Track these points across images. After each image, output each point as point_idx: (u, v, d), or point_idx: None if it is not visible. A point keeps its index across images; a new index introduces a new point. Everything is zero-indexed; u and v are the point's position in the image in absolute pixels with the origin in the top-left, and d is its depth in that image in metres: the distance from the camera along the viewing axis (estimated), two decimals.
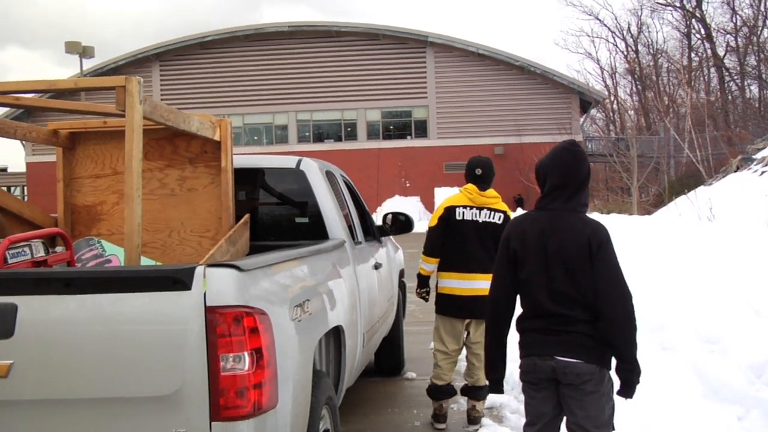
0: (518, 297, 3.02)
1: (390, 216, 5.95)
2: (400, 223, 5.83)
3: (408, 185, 34.10)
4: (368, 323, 4.60)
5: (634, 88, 43.91)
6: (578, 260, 2.82)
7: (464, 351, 5.22)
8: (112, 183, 4.13)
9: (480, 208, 4.80)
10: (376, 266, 5.21)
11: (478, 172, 4.85)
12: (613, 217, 15.87)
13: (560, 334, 2.85)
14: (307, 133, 35.46)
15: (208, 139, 3.98)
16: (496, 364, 3.06)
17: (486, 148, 33.25)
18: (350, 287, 4.12)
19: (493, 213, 4.79)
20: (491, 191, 4.87)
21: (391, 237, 6.70)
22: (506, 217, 4.81)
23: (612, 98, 43.94)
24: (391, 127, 35.60)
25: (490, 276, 4.31)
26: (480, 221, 4.78)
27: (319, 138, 35.60)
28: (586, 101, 34.01)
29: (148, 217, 4.06)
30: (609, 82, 45.82)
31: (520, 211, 24.72)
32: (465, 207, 4.82)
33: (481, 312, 4.75)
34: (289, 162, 4.59)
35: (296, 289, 3.06)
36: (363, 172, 32.48)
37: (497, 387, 3.11)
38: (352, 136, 35.24)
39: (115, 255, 3.65)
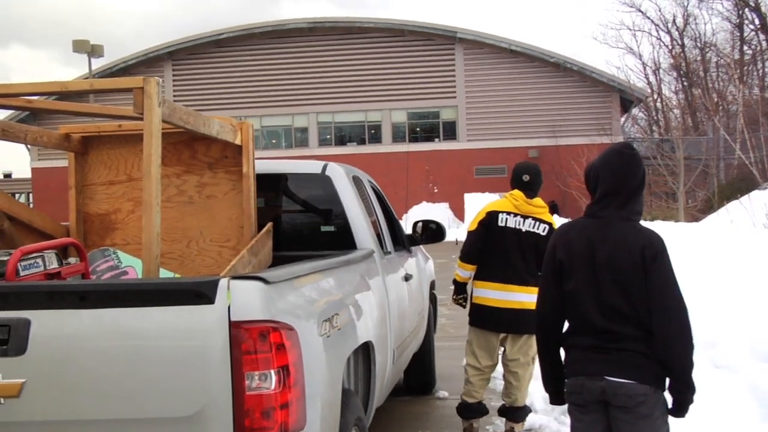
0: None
1: (420, 224, 5.95)
2: (431, 232, 5.82)
3: (436, 191, 34.06)
4: (398, 338, 4.59)
5: (680, 85, 43.41)
6: (631, 272, 2.77)
7: (500, 368, 5.18)
8: (127, 190, 4.16)
9: (525, 217, 4.80)
10: (406, 277, 5.20)
11: (526, 178, 4.85)
12: (657, 225, 15.68)
13: (610, 351, 2.79)
14: (328, 136, 35.61)
15: (228, 143, 3.99)
16: (551, 380, 3.03)
17: (519, 151, 33.09)
18: (380, 300, 4.11)
19: (538, 223, 4.79)
20: (538, 200, 4.86)
21: (422, 246, 6.68)
22: (551, 229, 4.78)
23: (655, 96, 43.51)
24: (418, 128, 35.61)
25: (528, 289, 4.68)
26: (523, 230, 4.77)
27: (341, 141, 35.72)
28: (627, 100, 33.72)
29: (166, 226, 4.08)
30: (652, 78, 45.38)
31: (556, 219, 24.52)
32: (509, 213, 4.82)
33: (518, 326, 4.77)
34: (314, 167, 4.60)
35: (324, 303, 3.06)
36: (388, 176, 32.50)
37: (557, 399, 3.06)
38: (376, 138, 35.31)
39: (132, 266, 3.66)
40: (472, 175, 33.49)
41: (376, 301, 4.01)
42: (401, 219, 26.80)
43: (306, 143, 35.38)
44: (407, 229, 6.21)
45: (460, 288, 5.09)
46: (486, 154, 33.38)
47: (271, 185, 4.64)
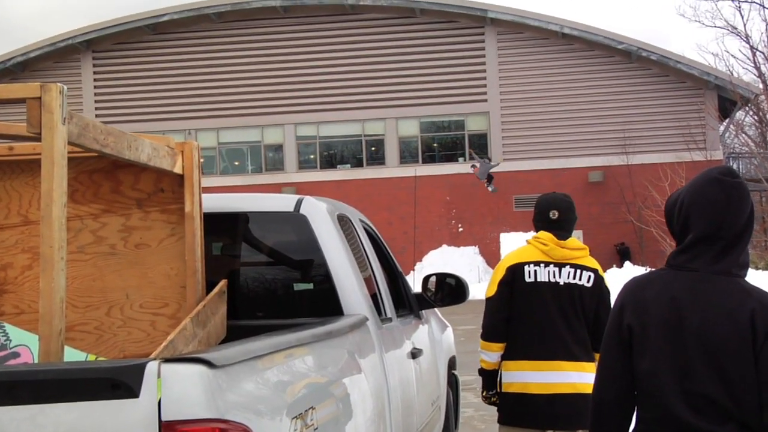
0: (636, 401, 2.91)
1: (433, 278, 5.99)
2: (449, 289, 5.86)
3: (461, 229, 34.09)
4: None
5: None
6: (734, 350, 2.67)
7: None
8: (21, 237, 4.18)
9: (560, 265, 4.87)
10: (414, 354, 5.23)
11: (554, 215, 4.94)
12: None
13: None
14: (311, 156, 35.80)
15: (166, 171, 4.02)
16: None
17: (577, 174, 33.15)
18: (375, 386, 4.12)
19: (579, 271, 4.86)
20: (574, 240, 4.96)
21: (437, 310, 6.71)
22: (598, 277, 4.86)
23: None
24: (435, 144, 35.75)
25: (580, 365, 4.71)
26: (561, 283, 4.84)
27: (329, 162, 35.89)
28: (728, 100, 33.89)
29: (77, 287, 4.08)
30: (765, 69, 45.53)
31: (626, 269, 24.27)
32: (537, 264, 4.89)
33: (569, 419, 4.75)
34: (285, 203, 4.65)
35: (296, 393, 3.07)
36: (393, 211, 32.56)
37: None
38: (377, 158, 35.48)
39: (26, 346, 3.67)
40: (510, 208, 33.56)
41: (371, 388, 4.01)
42: (413, 270, 26.78)
43: (281, 166, 35.56)
44: (416, 287, 6.24)
45: (489, 379, 5.09)
46: (530, 178, 33.47)
47: (225, 229, 4.68)
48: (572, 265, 4.84)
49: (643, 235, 31.20)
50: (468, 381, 9.73)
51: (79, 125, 3.11)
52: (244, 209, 4.67)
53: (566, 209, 4.94)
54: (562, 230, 4.90)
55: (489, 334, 4.96)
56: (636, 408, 2.88)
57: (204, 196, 4.35)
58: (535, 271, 4.86)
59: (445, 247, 33.00)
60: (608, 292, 4.87)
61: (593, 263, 4.94)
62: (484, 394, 5.14)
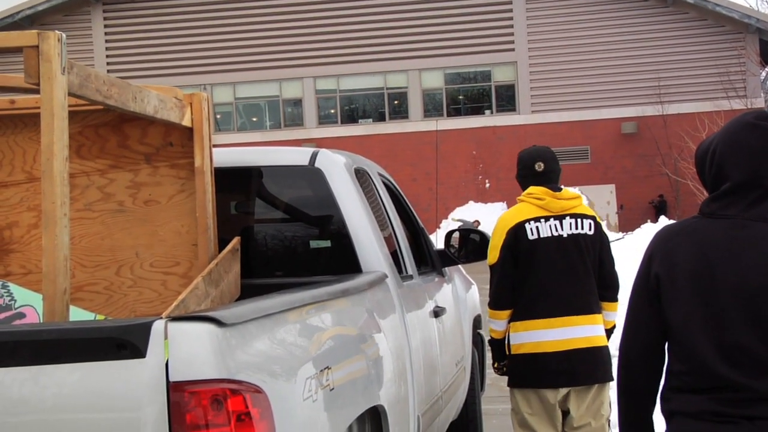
0: (666, 354, 2.85)
1: (457, 235, 5.98)
2: (473, 245, 5.87)
3: (488, 185, 34.01)
4: (426, 400, 4.61)
5: None
6: None
7: None
8: (27, 195, 4.19)
9: (560, 217, 4.90)
10: (437, 312, 5.24)
11: (540, 167, 4.99)
12: None
13: (741, 422, 2.59)
14: (332, 110, 35.72)
15: (174, 125, 4.02)
16: None
17: (609, 125, 32.90)
18: (396, 346, 4.13)
19: (580, 220, 4.91)
20: (567, 191, 5.00)
21: (461, 267, 6.71)
22: (597, 224, 4.95)
23: None
24: (461, 96, 35.55)
25: (594, 318, 4.79)
26: (565, 235, 4.87)
27: (350, 117, 35.81)
28: None
29: (84, 246, 4.11)
30: None
31: (661, 223, 24.16)
32: (538, 220, 4.89)
33: (587, 375, 4.79)
34: (299, 156, 4.65)
35: (310, 352, 3.09)
36: (417, 167, 32.52)
37: None
38: (400, 112, 35.35)
39: (31, 306, 3.70)
40: (546, 146, 33.35)
41: (391, 348, 4.02)
42: (438, 228, 26.82)
43: (300, 121, 35.52)
44: (439, 243, 6.23)
45: (499, 350, 5.11)
46: (559, 130, 33.24)
47: (238, 184, 4.69)
48: (572, 215, 4.89)
49: (679, 188, 30.96)
50: None
51: (80, 75, 3.10)
52: (257, 163, 4.67)
53: (551, 159, 5.01)
54: (550, 182, 4.96)
55: (497, 302, 4.96)
56: (667, 361, 2.85)
57: (215, 150, 4.34)
58: (537, 227, 4.86)
59: (471, 203, 32.91)
60: (608, 238, 5.02)
61: (590, 210, 5.02)
62: (495, 365, 5.17)
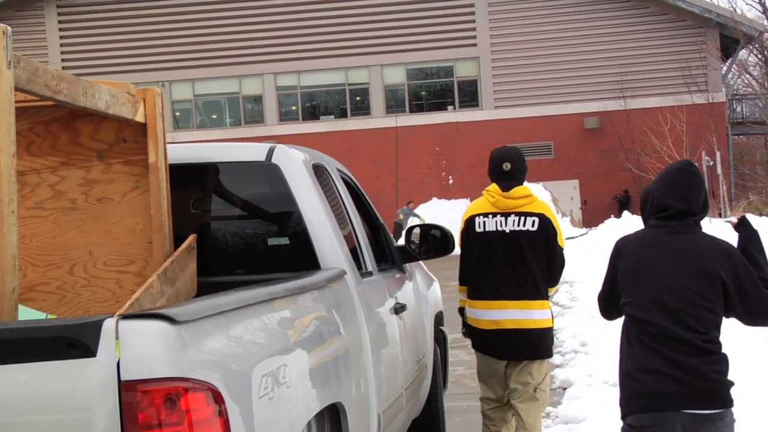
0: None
1: (418, 231, 6.00)
2: (434, 241, 5.90)
3: (451, 181, 34.11)
4: (387, 398, 4.62)
5: None
6: (698, 277, 4.06)
7: None
8: None
9: (506, 215, 5.61)
10: (397, 309, 5.26)
11: (507, 167, 5.65)
12: None
13: (656, 347, 4.05)
14: (293, 107, 35.67)
15: (128, 120, 3.99)
16: None
17: (572, 120, 33.12)
18: (355, 343, 4.14)
19: (524, 218, 5.58)
20: (519, 190, 5.64)
21: (422, 263, 6.72)
22: (544, 219, 5.60)
23: None
24: (423, 92, 35.63)
25: (524, 303, 5.61)
26: (507, 231, 5.59)
27: (312, 113, 35.78)
28: (730, 38, 33.74)
29: (36, 245, 4.07)
30: None
31: (625, 219, 24.47)
32: (486, 215, 5.66)
33: (516, 352, 5.67)
34: (256, 152, 4.63)
35: (267, 350, 3.09)
36: (380, 163, 32.53)
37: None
38: (362, 108, 35.37)
39: None
40: (515, 146, 33.47)
41: (350, 344, 4.03)
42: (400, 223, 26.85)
43: (261, 118, 35.43)
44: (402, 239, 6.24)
45: (465, 317, 5.97)
46: (523, 126, 33.42)
47: (193, 181, 4.66)
48: (517, 213, 5.57)
49: (642, 183, 31.20)
50: (459, 338, 9.75)
51: (27, 70, 3.07)
52: (213, 159, 4.64)
53: (518, 160, 5.68)
54: (515, 180, 5.63)
55: (461, 279, 5.89)
56: (626, 320, 4.14)
57: (170, 146, 4.32)
58: (484, 221, 5.63)
59: (435, 200, 32.97)
60: (555, 232, 5.65)
61: (539, 208, 5.62)
62: (463, 330, 6.00)
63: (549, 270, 5.65)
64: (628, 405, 4.02)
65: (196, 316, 2.66)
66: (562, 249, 5.70)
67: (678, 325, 3.90)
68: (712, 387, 3.88)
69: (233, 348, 2.87)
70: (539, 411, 5.80)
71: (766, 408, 6.25)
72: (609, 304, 4.29)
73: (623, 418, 4.05)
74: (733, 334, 5.03)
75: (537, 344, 5.65)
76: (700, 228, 4.12)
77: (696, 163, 4.25)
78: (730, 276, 3.93)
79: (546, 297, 5.70)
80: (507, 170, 5.62)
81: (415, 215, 29.64)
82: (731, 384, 3.95)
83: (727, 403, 3.92)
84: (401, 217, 29.34)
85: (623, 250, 4.16)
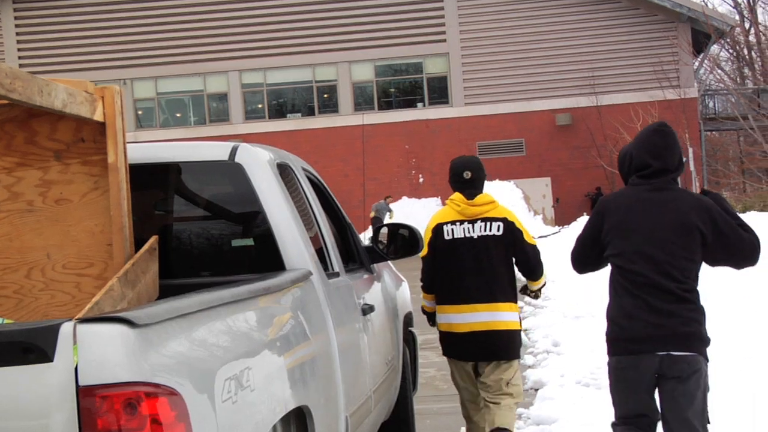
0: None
1: (386, 230, 6.01)
2: (402, 241, 5.94)
3: (422, 180, 34.15)
4: (355, 400, 4.65)
5: None
6: (677, 229, 4.59)
7: None
8: None
9: (473, 221, 6.00)
10: (365, 310, 5.28)
11: (467, 175, 6.03)
12: (752, 217, 15.82)
13: (638, 294, 4.59)
14: (259, 105, 35.56)
15: (86, 119, 3.98)
16: None
17: (543, 117, 33.24)
18: (322, 344, 4.16)
19: (489, 224, 5.98)
20: (483, 197, 6.04)
21: (391, 264, 6.74)
22: (507, 223, 5.97)
23: (747, 26, 43.91)
24: (392, 89, 35.62)
25: (493, 306, 5.96)
26: (475, 237, 5.98)
27: (278, 111, 35.69)
28: (702, 33, 34.01)
29: None
30: None
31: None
32: (454, 223, 6.02)
33: (487, 353, 6.01)
34: (219, 151, 4.63)
35: (230, 352, 3.09)
36: (348, 161, 32.53)
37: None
38: (329, 106, 35.32)
39: None
40: (473, 155, 33.60)
41: (316, 347, 4.06)
42: (372, 224, 26.81)
43: (226, 116, 35.30)
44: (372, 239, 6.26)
45: (431, 317, 6.40)
46: (493, 123, 33.52)
47: (154, 181, 4.65)
48: (483, 219, 5.96)
49: (615, 180, 31.39)
50: (430, 339, 9.80)
51: None
52: (175, 159, 4.63)
53: (477, 169, 6.07)
54: (474, 188, 6.02)
55: (426, 287, 6.23)
56: (613, 271, 4.60)
57: (130, 145, 4.31)
58: (453, 229, 5.99)
59: (405, 199, 32.99)
60: (521, 231, 6.03)
61: (501, 213, 6.02)
62: (430, 324, 6.46)
63: (526, 268, 6.10)
64: (612, 347, 4.57)
65: (157, 319, 2.67)
66: (532, 245, 6.06)
67: (661, 275, 4.40)
68: (687, 331, 4.37)
69: (195, 351, 2.87)
70: (512, 406, 6.05)
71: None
72: (586, 258, 4.77)
73: (609, 357, 4.61)
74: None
75: (507, 345, 6.03)
76: (678, 184, 4.59)
77: (669, 125, 4.66)
78: (709, 226, 4.42)
79: (515, 300, 6.09)
80: (468, 178, 6.01)
81: (389, 210, 29.69)
82: (707, 336, 4.46)
83: (701, 351, 4.42)
84: (373, 213, 29.38)
85: (608, 209, 4.61)
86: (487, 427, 6.00)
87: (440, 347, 6.27)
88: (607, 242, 4.58)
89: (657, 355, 4.38)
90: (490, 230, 5.93)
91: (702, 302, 4.52)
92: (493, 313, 5.93)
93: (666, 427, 4.50)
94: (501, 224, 5.94)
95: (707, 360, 4.46)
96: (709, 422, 4.51)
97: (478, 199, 5.98)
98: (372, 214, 29.08)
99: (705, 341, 4.45)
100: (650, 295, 4.42)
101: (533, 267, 6.10)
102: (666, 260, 4.41)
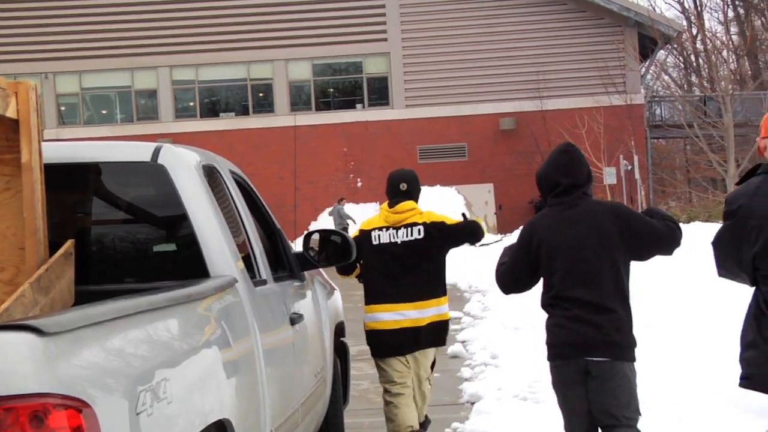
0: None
1: (317, 236, 6.01)
2: (334, 248, 5.93)
3: (360, 184, 34.21)
4: (280, 414, 4.64)
5: (733, 13, 44.52)
6: (596, 241, 5.13)
7: None
8: None
9: (396, 228, 6.61)
10: (294, 319, 5.27)
11: (404, 187, 6.67)
12: (695, 228, 16.08)
13: (563, 306, 5.14)
14: (191, 103, 35.40)
15: None
16: None
17: (487, 120, 33.48)
18: (245, 355, 4.14)
19: (411, 229, 6.61)
20: (404, 204, 6.63)
21: (323, 271, 6.74)
22: (426, 226, 6.58)
23: (695, 32, 44.60)
24: (330, 89, 35.66)
25: (416, 304, 6.58)
26: (399, 242, 6.59)
27: (211, 110, 35.56)
28: (649, 38, 34.55)
29: None
30: (689, 3, 46.54)
31: None
32: (381, 229, 6.64)
33: (411, 346, 6.59)
34: (141, 152, 4.59)
35: (146, 362, 3.08)
36: (284, 164, 32.45)
37: None
38: (265, 105, 35.28)
39: None
40: (414, 160, 33.72)
41: (239, 357, 4.03)
42: (307, 230, 26.74)
43: (155, 114, 35.08)
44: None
45: None
46: (435, 126, 33.69)
47: (72, 182, 4.61)
48: (405, 225, 6.59)
49: None
50: (364, 351, 9.79)
51: None
52: (94, 159, 4.59)
53: (414, 181, 6.76)
54: (411, 199, 6.67)
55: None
56: (544, 288, 5.15)
57: (46, 144, 4.26)
58: (380, 235, 6.61)
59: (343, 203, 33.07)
60: (442, 222, 6.65)
61: (422, 217, 6.62)
62: None
63: (467, 240, 6.82)
64: (549, 352, 5.16)
65: (68, 327, 2.64)
66: (457, 223, 6.78)
67: (587, 288, 4.98)
68: (606, 340, 4.96)
69: (109, 361, 2.84)
70: (427, 389, 6.86)
71: None
72: (516, 280, 5.27)
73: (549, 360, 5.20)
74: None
75: (430, 335, 6.65)
76: (590, 196, 5.22)
77: (574, 144, 5.42)
78: (624, 226, 5.01)
79: (443, 294, 6.76)
80: (404, 190, 6.65)
81: (350, 217, 29.50)
82: (631, 342, 5.06)
83: (624, 356, 5.02)
84: (330, 216, 29.30)
85: (534, 232, 5.16)
86: (416, 421, 6.63)
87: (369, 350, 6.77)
88: (538, 262, 5.12)
89: (583, 360, 4.99)
90: (412, 235, 6.55)
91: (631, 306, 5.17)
92: (420, 311, 6.56)
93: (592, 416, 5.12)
94: (421, 228, 6.55)
95: (631, 359, 5.06)
96: (639, 414, 5.12)
97: (399, 207, 6.61)
98: (327, 216, 28.90)
99: (628, 347, 5.05)
100: (579, 307, 5.00)
101: (473, 231, 6.77)
102: (591, 274, 4.99)
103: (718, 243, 4.40)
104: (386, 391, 6.64)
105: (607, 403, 5.01)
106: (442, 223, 6.64)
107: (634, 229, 5.04)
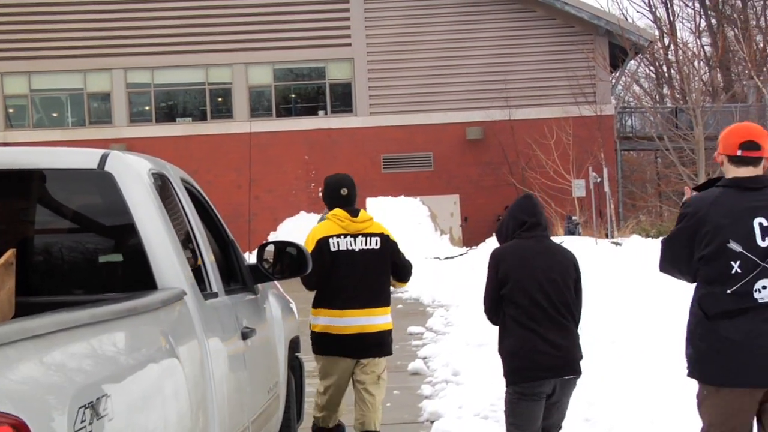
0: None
1: (272, 248, 6.02)
2: (290, 260, 5.94)
3: (321, 194, 34.11)
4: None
5: (705, 23, 44.98)
6: (561, 276, 6.07)
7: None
8: None
9: (355, 236, 6.95)
10: (246, 334, 5.28)
11: (345, 192, 7.02)
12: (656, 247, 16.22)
13: (537, 331, 5.95)
14: (146, 107, 35.22)
15: None
16: None
17: (453, 129, 33.54)
18: (193, 370, 4.13)
19: (369, 238, 6.99)
20: (363, 214, 7.08)
21: (278, 284, 6.75)
22: (383, 237, 7.05)
23: (666, 42, 45.00)
24: (292, 95, 35.60)
25: (369, 311, 6.94)
26: (357, 250, 6.93)
27: (167, 115, 35.39)
28: (619, 47, 34.76)
29: None
30: (661, 13, 46.95)
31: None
32: (339, 236, 6.90)
33: (358, 351, 6.93)
34: (87, 159, 4.57)
35: (87, 378, 3.07)
36: (242, 171, 32.35)
37: None
38: (223, 110, 35.16)
39: None
40: (378, 169, 33.77)
41: (188, 373, 4.03)
42: (266, 241, 26.60)
43: (109, 118, 34.86)
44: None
45: None
46: (400, 135, 33.69)
47: (14, 189, 4.60)
48: (363, 235, 6.96)
49: None
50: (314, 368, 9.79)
51: None
52: (37, 165, 4.57)
53: (353, 186, 7.09)
54: (350, 204, 7.03)
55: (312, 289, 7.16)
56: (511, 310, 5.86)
57: None
58: (338, 242, 6.89)
59: (303, 213, 32.93)
60: (396, 243, 7.19)
61: (378, 228, 7.09)
62: None
63: (401, 274, 7.26)
64: (514, 376, 5.84)
65: (4, 340, 2.63)
66: (404, 255, 7.29)
67: (552, 308, 5.79)
68: (572, 358, 5.87)
69: (47, 376, 2.84)
70: (383, 391, 7.18)
71: None
72: (496, 305, 5.94)
73: (508, 386, 5.90)
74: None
75: (381, 343, 7.07)
76: (549, 237, 6.23)
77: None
78: (578, 280, 6.02)
79: (389, 303, 7.21)
80: (345, 195, 7.03)
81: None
82: (582, 356, 5.97)
83: (581, 370, 5.98)
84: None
85: (502, 258, 5.96)
86: (356, 425, 7.03)
87: (312, 346, 7.08)
88: (505, 285, 5.85)
89: (554, 379, 5.80)
90: (370, 244, 6.95)
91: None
92: (370, 318, 6.95)
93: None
94: (379, 239, 7.00)
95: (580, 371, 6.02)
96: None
97: (360, 216, 7.00)
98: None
99: (580, 359, 5.98)
100: (544, 327, 5.80)
101: (407, 273, 7.32)
102: (555, 296, 5.84)
103: (670, 242, 5.09)
104: (324, 393, 7.01)
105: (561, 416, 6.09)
106: (396, 244, 7.17)
107: (578, 289, 6.06)
